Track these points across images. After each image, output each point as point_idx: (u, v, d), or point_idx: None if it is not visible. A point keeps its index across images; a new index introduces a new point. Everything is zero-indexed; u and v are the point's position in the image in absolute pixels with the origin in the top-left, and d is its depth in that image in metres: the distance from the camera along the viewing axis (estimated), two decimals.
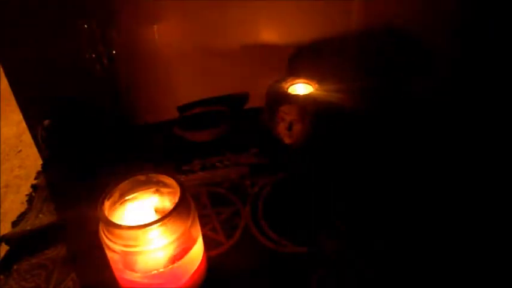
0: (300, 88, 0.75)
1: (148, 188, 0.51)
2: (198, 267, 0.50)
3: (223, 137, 0.79)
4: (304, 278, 0.53)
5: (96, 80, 0.71)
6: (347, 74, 0.79)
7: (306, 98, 0.71)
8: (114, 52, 0.70)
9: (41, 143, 0.77)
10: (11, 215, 1.20)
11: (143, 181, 0.51)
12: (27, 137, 1.12)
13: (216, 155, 0.76)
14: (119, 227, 0.44)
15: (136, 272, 0.47)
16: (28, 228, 0.64)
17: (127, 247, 0.45)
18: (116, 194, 0.49)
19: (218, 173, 0.72)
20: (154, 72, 0.82)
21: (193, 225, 0.48)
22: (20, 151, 1.59)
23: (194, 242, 0.49)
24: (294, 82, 0.75)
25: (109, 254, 0.47)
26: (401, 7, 0.79)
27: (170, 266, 0.47)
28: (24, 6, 0.71)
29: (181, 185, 0.48)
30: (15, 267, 0.58)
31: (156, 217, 0.49)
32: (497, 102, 0.78)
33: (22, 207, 0.69)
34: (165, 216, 0.45)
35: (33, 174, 0.77)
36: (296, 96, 0.72)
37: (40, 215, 0.66)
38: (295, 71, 0.80)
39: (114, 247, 0.45)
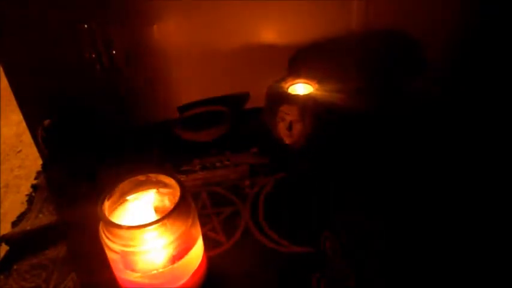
0: (300, 88, 0.75)
1: (148, 188, 0.51)
2: (198, 267, 0.50)
3: (223, 137, 0.79)
4: (304, 278, 0.53)
5: (96, 80, 0.71)
6: (347, 74, 0.79)
7: (306, 98, 0.71)
8: (114, 52, 0.70)
9: (41, 143, 0.77)
10: (11, 215, 1.20)
11: (143, 181, 0.51)
12: (27, 137, 1.12)
13: (216, 155, 0.76)
14: (119, 227, 0.44)
15: (136, 272, 0.47)
16: (28, 228, 0.64)
17: (127, 247, 0.45)
18: (116, 194, 0.49)
19: (218, 173, 0.72)
20: (155, 72, 0.82)
21: (193, 225, 0.48)
22: (20, 151, 1.59)
23: (194, 242, 0.49)
24: (294, 82, 0.75)
25: (109, 254, 0.47)
26: (401, 7, 0.79)
27: (170, 266, 0.47)
28: (24, 7, 0.71)
29: (181, 185, 0.48)
30: (15, 267, 0.58)
31: (156, 217, 0.49)
32: (497, 102, 0.78)
33: (22, 207, 0.69)
34: (165, 216, 0.45)
35: (33, 174, 0.77)
36: (296, 96, 0.72)
37: (40, 215, 0.66)
38: (295, 71, 0.80)
39: (114, 247, 0.45)
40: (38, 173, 0.77)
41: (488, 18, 0.80)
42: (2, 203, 1.32)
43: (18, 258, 0.59)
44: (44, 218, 0.66)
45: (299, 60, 0.82)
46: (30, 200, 0.71)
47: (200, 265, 0.51)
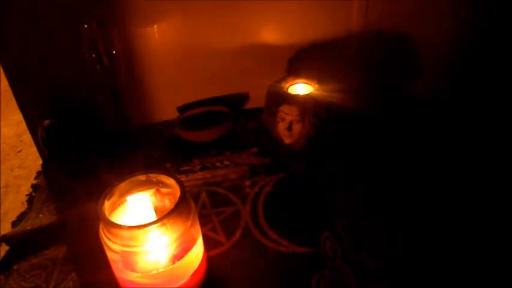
0: (300, 88, 0.75)
1: (148, 188, 0.51)
2: (198, 267, 0.50)
3: (223, 137, 0.79)
4: (304, 278, 0.53)
5: (96, 80, 0.71)
6: (347, 74, 0.79)
7: (306, 98, 0.71)
8: (114, 52, 0.70)
9: (41, 143, 0.77)
10: (11, 215, 1.20)
11: (143, 181, 0.51)
12: (27, 137, 1.12)
13: (216, 155, 0.76)
14: (119, 227, 0.44)
15: (136, 272, 0.47)
16: (28, 228, 0.64)
17: (127, 247, 0.45)
18: (116, 194, 0.49)
19: (218, 173, 0.72)
20: (154, 72, 0.82)
21: (193, 225, 0.48)
22: (20, 151, 1.59)
23: (194, 242, 0.49)
24: (294, 82, 0.75)
25: (109, 254, 0.47)
26: (402, 7, 0.79)
27: (170, 266, 0.47)
28: (24, 7, 0.71)
29: (181, 185, 0.48)
30: (15, 267, 0.58)
31: (156, 217, 0.49)
32: (497, 103, 0.78)
33: (22, 207, 0.69)
34: (165, 216, 0.45)
35: (33, 174, 0.77)
36: (296, 96, 0.72)
37: (40, 215, 0.66)
38: (295, 71, 0.80)
39: (114, 247, 0.45)
40: (38, 173, 0.77)
41: (488, 18, 0.80)
42: (2, 203, 1.33)
43: (18, 258, 0.59)
44: (44, 218, 0.66)
45: (299, 60, 0.82)
46: (30, 200, 0.71)
47: (200, 265, 0.51)
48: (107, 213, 0.46)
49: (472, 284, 0.52)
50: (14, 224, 0.66)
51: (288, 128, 0.71)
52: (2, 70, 0.76)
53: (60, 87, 0.78)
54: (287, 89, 0.73)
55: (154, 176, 0.51)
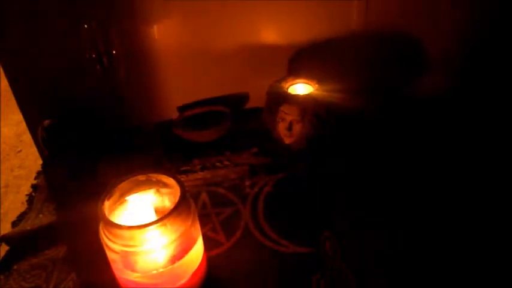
0: (300, 88, 0.75)
1: (148, 188, 0.51)
2: (198, 267, 0.50)
3: (223, 137, 0.79)
4: (304, 278, 0.53)
5: (96, 80, 0.71)
6: (347, 74, 0.79)
7: (306, 98, 0.71)
8: (114, 52, 0.70)
9: (41, 143, 0.77)
10: (11, 215, 1.21)
11: (143, 181, 0.51)
12: (27, 137, 1.12)
13: (216, 155, 0.76)
14: (119, 227, 0.44)
15: (136, 272, 0.47)
16: (28, 228, 0.64)
17: (127, 247, 0.45)
18: (116, 194, 0.49)
19: (218, 173, 0.72)
20: (154, 72, 0.82)
21: (193, 225, 0.48)
22: (20, 151, 1.59)
23: (194, 242, 0.49)
24: (294, 82, 0.75)
25: (109, 254, 0.47)
26: (402, 7, 0.79)
27: (170, 266, 0.47)
28: (24, 7, 0.71)
29: (181, 185, 0.48)
30: (15, 267, 0.58)
31: (156, 217, 0.49)
32: (497, 102, 0.78)
33: (22, 207, 0.69)
34: (165, 216, 0.45)
35: (33, 174, 0.77)
36: (296, 96, 0.72)
37: (40, 215, 0.66)
38: (295, 71, 0.80)
39: (114, 247, 0.45)
40: (38, 173, 0.77)
41: (489, 17, 0.80)
42: (2, 203, 1.33)
43: (18, 258, 0.59)
44: (44, 218, 0.66)
45: (299, 60, 0.82)
46: (30, 200, 0.71)
47: (200, 265, 0.51)
48: (107, 213, 0.46)
49: (472, 284, 0.52)
50: (14, 224, 0.66)
51: (288, 128, 0.71)
52: (2, 70, 0.76)
53: (60, 87, 0.78)
54: (287, 89, 0.73)
55: (154, 176, 0.51)
